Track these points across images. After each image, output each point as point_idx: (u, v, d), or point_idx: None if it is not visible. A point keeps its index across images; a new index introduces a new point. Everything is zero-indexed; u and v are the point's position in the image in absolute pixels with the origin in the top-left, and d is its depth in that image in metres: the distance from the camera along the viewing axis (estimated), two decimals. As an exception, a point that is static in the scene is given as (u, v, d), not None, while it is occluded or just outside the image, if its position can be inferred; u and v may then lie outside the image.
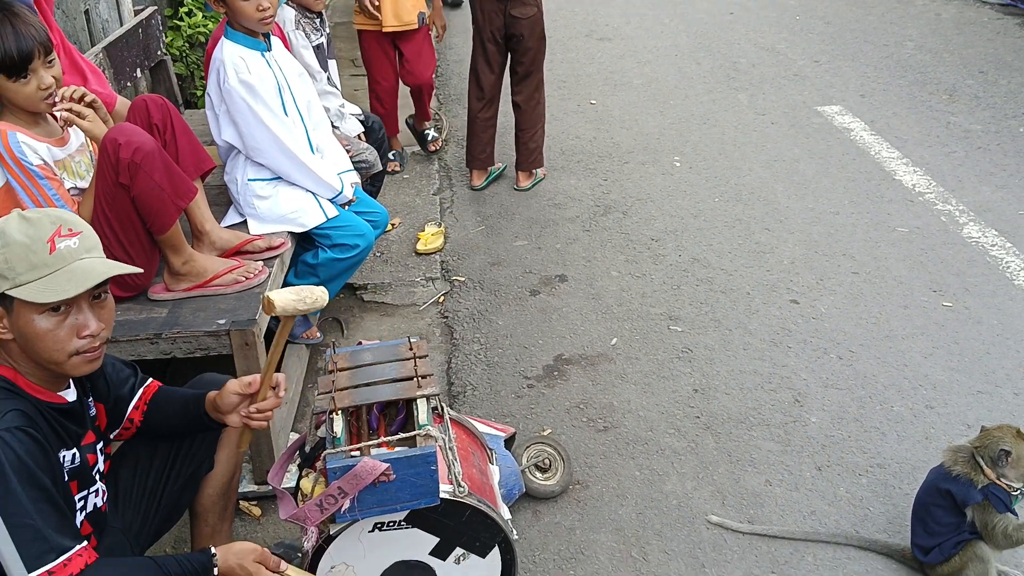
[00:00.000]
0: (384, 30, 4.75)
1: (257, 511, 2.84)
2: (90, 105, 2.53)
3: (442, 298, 4.02)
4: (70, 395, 1.91)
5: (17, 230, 1.73)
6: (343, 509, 2.01)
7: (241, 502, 2.82)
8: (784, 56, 6.97)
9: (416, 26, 4.79)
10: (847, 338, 3.60)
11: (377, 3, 4.67)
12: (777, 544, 2.65)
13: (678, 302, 3.89)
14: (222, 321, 2.63)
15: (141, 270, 2.13)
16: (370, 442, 2.10)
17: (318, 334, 3.57)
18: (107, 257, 1.90)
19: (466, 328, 3.79)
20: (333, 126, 3.75)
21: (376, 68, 4.98)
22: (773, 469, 2.94)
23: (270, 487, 2.69)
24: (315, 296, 2.01)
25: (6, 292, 1.72)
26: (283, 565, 2.01)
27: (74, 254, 1.76)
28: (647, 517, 2.78)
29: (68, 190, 2.53)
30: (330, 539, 2.08)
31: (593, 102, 6.24)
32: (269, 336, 2.92)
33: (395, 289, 4.07)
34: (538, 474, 2.89)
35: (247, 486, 2.85)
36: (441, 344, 3.70)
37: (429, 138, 5.42)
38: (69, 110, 2.49)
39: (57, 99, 2.48)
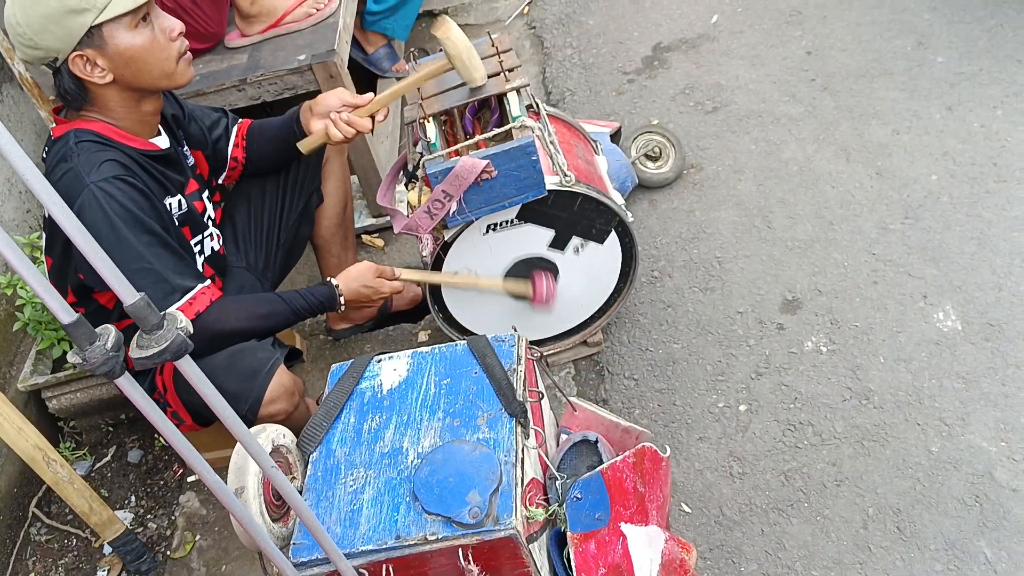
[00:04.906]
0: None
1: (380, 242, 2.92)
2: None
3: (527, 8, 3.80)
4: (162, 142, 1.93)
5: None
6: (451, 212, 2.00)
7: (363, 236, 2.90)
8: None
9: None
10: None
11: None
12: (908, 191, 2.53)
13: (781, -37, 3.53)
14: (302, 57, 2.57)
15: None
16: (466, 142, 2.05)
17: (407, 67, 3.47)
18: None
19: (556, 35, 3.59)
20: None
21: None
22: (900, 118, 2.75)
23: (387, 217, 2.76)
24: (477, 64, 1.97)
25: (95, 23, 1.68)
26: (397, 271, 2.07)
27: None
28: (768, 188, 2.68)
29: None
30: (447, 246, 2.10)
31: None
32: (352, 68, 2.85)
33: (476, 8, 3.87)
34: (649, 164, 2.81)
35: (365, 220, 2.91)
36: (533, 56, 3.54)
37: None
38: None
39: None
